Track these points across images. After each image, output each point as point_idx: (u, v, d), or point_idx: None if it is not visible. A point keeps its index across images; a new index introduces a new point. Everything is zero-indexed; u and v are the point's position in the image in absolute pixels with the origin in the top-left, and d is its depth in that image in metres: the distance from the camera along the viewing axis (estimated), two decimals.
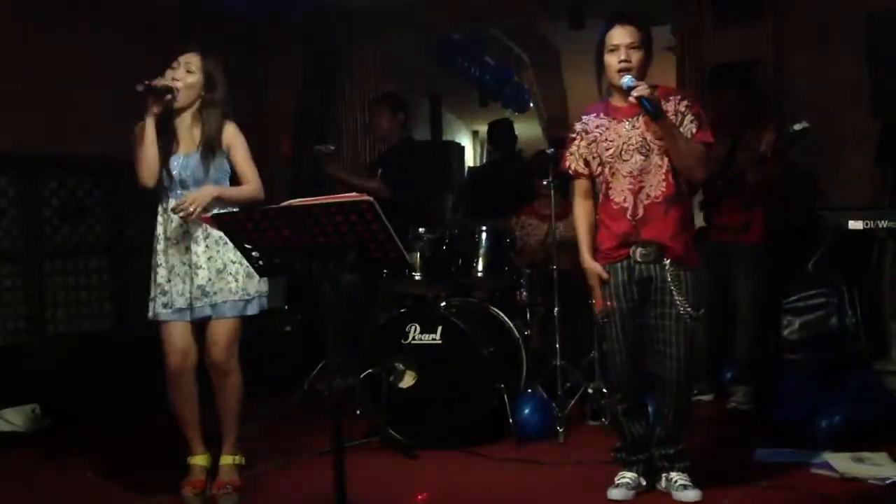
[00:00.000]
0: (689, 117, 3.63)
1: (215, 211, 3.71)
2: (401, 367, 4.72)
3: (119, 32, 5.99)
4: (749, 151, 5.06)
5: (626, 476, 3.79)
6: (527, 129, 11.57)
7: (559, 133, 10.85)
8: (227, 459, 4.02)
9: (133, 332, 6.04)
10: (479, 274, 5.03)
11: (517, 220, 5.89)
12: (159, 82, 3.78)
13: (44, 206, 5.82)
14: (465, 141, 13.16)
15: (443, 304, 4.91)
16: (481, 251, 5.02)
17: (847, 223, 4.53)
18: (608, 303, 3.70)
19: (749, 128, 5.16)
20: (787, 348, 5.27)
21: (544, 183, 5.17)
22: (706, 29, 5.99)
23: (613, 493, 3.75)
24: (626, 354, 3.72)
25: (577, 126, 3.82)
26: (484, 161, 12.46)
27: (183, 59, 3.87)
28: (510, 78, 9.93)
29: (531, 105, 11.04)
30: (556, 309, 4.94)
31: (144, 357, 5.81)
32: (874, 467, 3.92)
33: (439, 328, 4.71)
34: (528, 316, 5.29)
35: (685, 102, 3.65)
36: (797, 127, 4.69)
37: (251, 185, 3.92)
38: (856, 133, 5.46)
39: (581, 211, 3.86)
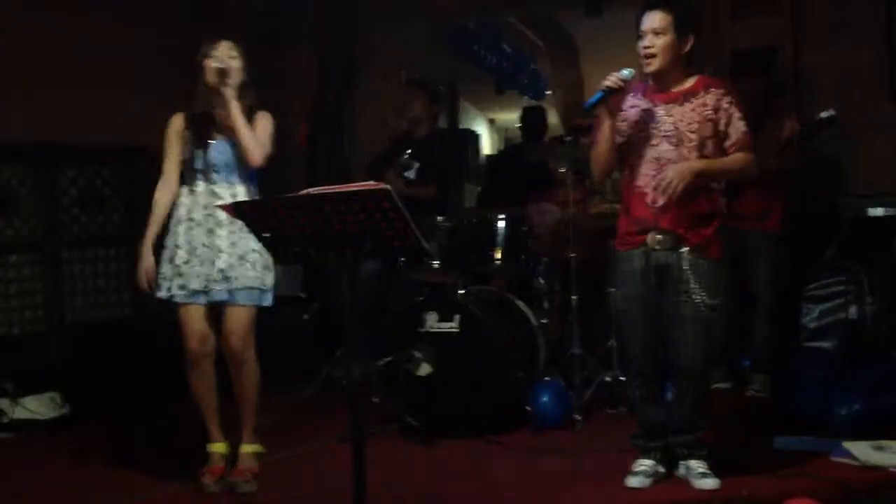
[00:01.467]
0: (736, 115, 3.63)
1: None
2: (418, 355, 4.72)
3: (137, 21, 6.00)
4: (770, 139, 5.02)
5: (644, 463, 3.78)
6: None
7: (575, 121, 10.87)
8: (246, 448, 4.04)
9: (151, 320, 6.08)
10: (497, 262, 5.03)
11: (535, 207, 5.86)
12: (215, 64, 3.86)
13: (61, 196, 5.85)
14: (482, 129, 13.13)
15: (460, 292, 4.91)
16: (498, 239, 5.00)
17: (867, 210, 4.50)
18: (628, 290, 3.70)
19: (769, 115, 5.12)
20: (805, 336, 5.24)
21: (560, 170, 5.15)
22: (724, 16, 5.94)
23: (632, 481, 3.75)
24: (645, 341, 3.72)
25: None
26: (501, 149, 12.43)
27: (221, 46, 3.93)
28: (527, 65, 9.90)
29: (547, 93, 10.99)
30: (573, 297, 4.93)
31: (162, 345, 5.91)
32: (894, 455, 3.89)
33: (457, 317, 4.70)
34: (545, 304, 5.28)
35: (728, 99, 3.63)
36: (824, 115, 4.66)
37: (259, 143, 3.89)
38: (875, 121, 5.41)
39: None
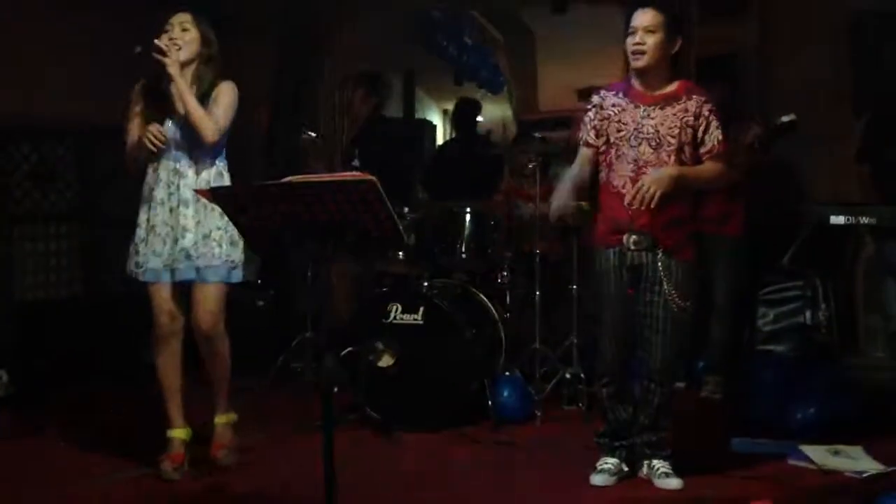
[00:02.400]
0: (714, 124, 3.67)
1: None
2: (380, 346, 4.69)
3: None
4: (733, 144, 5.07)
5: (609, 462, 3.81)
6: (497, 111, 11.58)
7: (526, 115, 10.91)
8: (221, 418, 4.05)
9: (102, 299, 5.97)
10: (462, 255, 5.02)
11: (505, 201, 5.84)
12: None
13: (14, 171, 5.70)
14: (436, 119, 13.09)
15: (425, 284, 4.89)
16: (465, 232, 5.00)
17: (829, 218, 4.57)
18: (604, 289, 3.72)
19: (733, 121, 5.17)
20: (760, 339, 5.32)
21: (529, 165, 5.15)
22: (691, 24, 5.98)
23: (596, 479, 3.77)
24: (615, 340, 3.75)
25: (594, 98, 3.82)
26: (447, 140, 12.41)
27: (175, 19, 3.87)
28: (487, 58, 9.90)
29: (504, 87, 11.01)
30: (536, 293, 4.94)
31: (114, 325, 5.83)
32: (850, 460, 3.98)
33: (421, 309, 4.69)
34: (507, 299, 5.28)
35: (708, 107, 3.67)
36: (784, 119, 4.73)
37: (209, 119, 3.81)
38: (837, 130, 5.49)
39: (576, 166, 3.85)
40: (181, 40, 3.82)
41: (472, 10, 8.84)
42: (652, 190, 3.50)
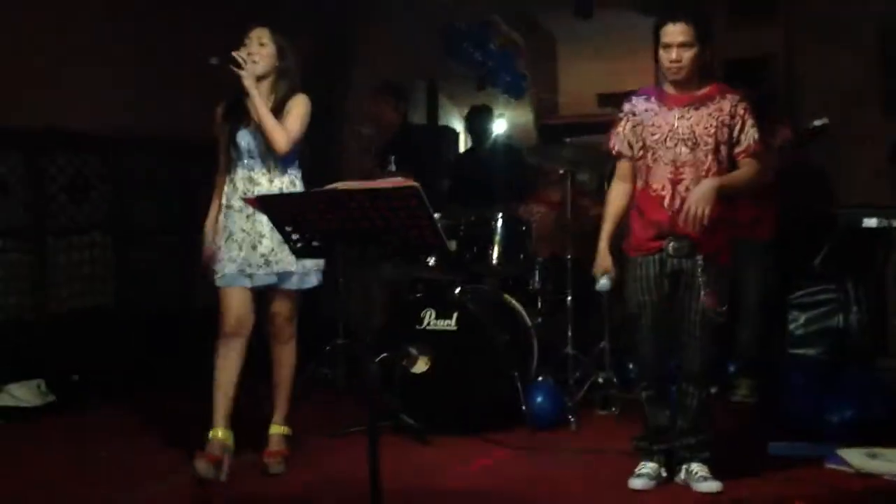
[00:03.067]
0: (749, 122, 3.70)
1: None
2: (415, 352, 4.73)
3: (130, 11, 5.93)
4: (763, 147, 5.07)
5: (648, 466, 3.82)
6: (520, 116, 11.59)
7: (548, 120, 10.92)
8: (276, 429, 4.12)
9: (135, 309, 6.03)
10: (494, 261, 5.05)
11: (525, 208, 5.88)
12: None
13: (49, 183, 5.76)
14: (459, 126, 13.11)
15: (458, 290, 4.91)
16: (496, 238, 5.03)
17: (862, 221, 4.57)
18: (642, 297, 3.73)
19: (762, 124, 5.18)
20: (791, 343, 5.32)
21: (560, 172, 5.17)
22: (719, 25, 6.00)
23: (635, 483, 3.78)
24: (654, 345, 3.76)
25: (625, 107, 3.84)
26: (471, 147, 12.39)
27: (253, 34, 4.04)
28: (511, 64, 9.92)
29: (527, 92, 11.02)
30: (568, 298, 4.96)
31: (147, 335, 5.89)
32: (888, 463, 3.95)
33: (455, 314, 4.72)
34: (539, 304, 5.31)
35: (743, 105, 3.69)
36: (817, 123, 4.74)
37: (282, 130, 3.94)
38: (866, 132, 5.50)
39: (615, 193, 3.91)
40: (258, 55, 3.98)
41: (495, 14, 8.85)
42: (700, 208, 3.52)
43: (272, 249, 3.94)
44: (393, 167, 5.31)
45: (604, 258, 3.90)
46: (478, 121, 6.91)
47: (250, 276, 3.97)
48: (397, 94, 5.90)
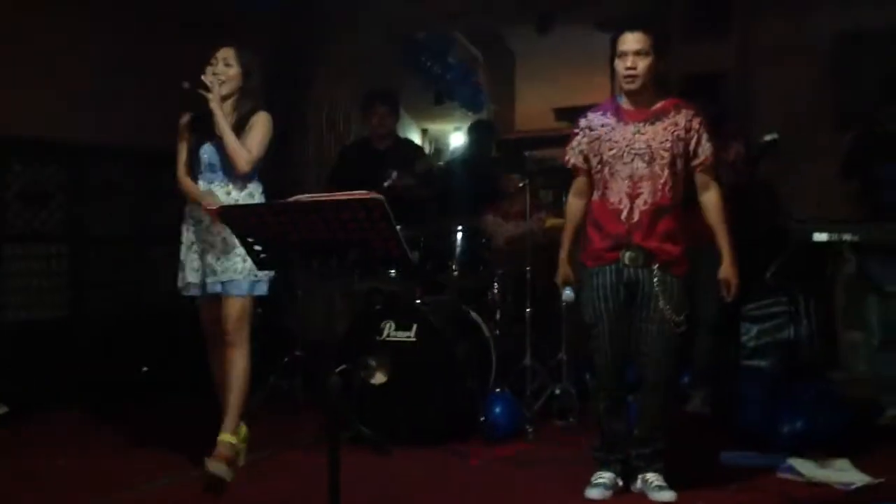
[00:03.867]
0: (705, 136, 3.80)
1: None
2: (373, 363, 4.74)
3: (88, 18, 5.89)
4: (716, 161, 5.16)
5: (604, 476, 3.87)
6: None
7: (504, 134, 11.00)
8: (222, 437, 4.11)
9: (90, 320, 5.97)
10: (454, 273, 5.09)
11: (484, 220, 5.91)
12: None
13: (4, 191, 5.70)
14: (417, 139, 13.15)
15: (417, 301, 4.94)
16: (457, 250, 5.07)
17: (813, 235, 4.68)
18: (599, 304, 3.79)
19: (716, 139, 5.26)
20: (744, 354, 5.40)
21: (520, 185, 5.22)
22: (675, 41, 6.10)
23: (591, 493, 3.82)
24: (612, 355, 3.82)
25: (581, 122, 3.91)
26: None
27: (220, 54, 4.17)
28: (470, 78, 9.99)
29: (485, 106, 11.09)
30: (527, 310, 5.01)
31: (100, 346, 5.83)
32: (838, 472, 4.05)
33: (414, 326, 4.75)
34: (498, 315, 5.35)
35: (698, 120, 3.79)
36: (767, 138, 4.85)
37: (244, 150, 4.05)
38: (818, 147, 5.61)
39: (573, 208, 4.01)
40: (224, 75, 4.11)
41: (455, 29, 8.91)
42: (734, 284, 3.79)
43: (217, 259, 4.05)
44: (395, 175, 5.30)
45: (566, 269, 3.97)
46: (481, 134, 7.00)
47: (203, 285, 4.11)
48: (392, 102, 5.87)
